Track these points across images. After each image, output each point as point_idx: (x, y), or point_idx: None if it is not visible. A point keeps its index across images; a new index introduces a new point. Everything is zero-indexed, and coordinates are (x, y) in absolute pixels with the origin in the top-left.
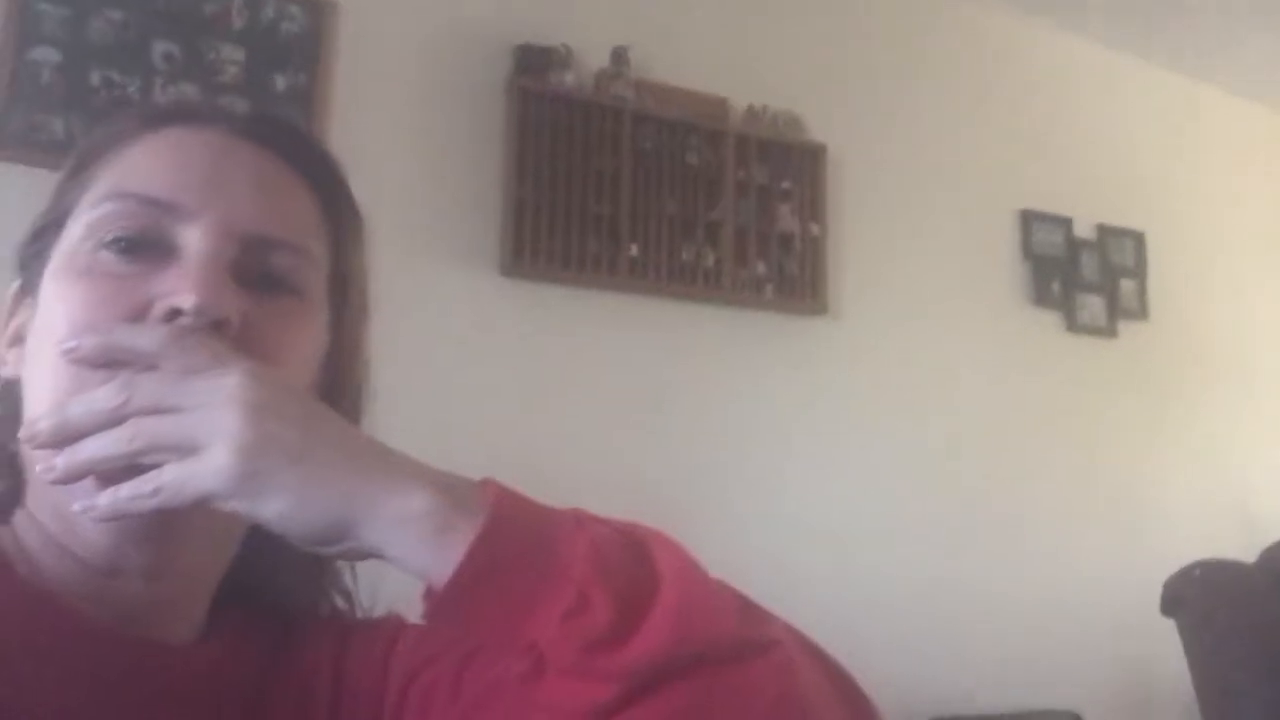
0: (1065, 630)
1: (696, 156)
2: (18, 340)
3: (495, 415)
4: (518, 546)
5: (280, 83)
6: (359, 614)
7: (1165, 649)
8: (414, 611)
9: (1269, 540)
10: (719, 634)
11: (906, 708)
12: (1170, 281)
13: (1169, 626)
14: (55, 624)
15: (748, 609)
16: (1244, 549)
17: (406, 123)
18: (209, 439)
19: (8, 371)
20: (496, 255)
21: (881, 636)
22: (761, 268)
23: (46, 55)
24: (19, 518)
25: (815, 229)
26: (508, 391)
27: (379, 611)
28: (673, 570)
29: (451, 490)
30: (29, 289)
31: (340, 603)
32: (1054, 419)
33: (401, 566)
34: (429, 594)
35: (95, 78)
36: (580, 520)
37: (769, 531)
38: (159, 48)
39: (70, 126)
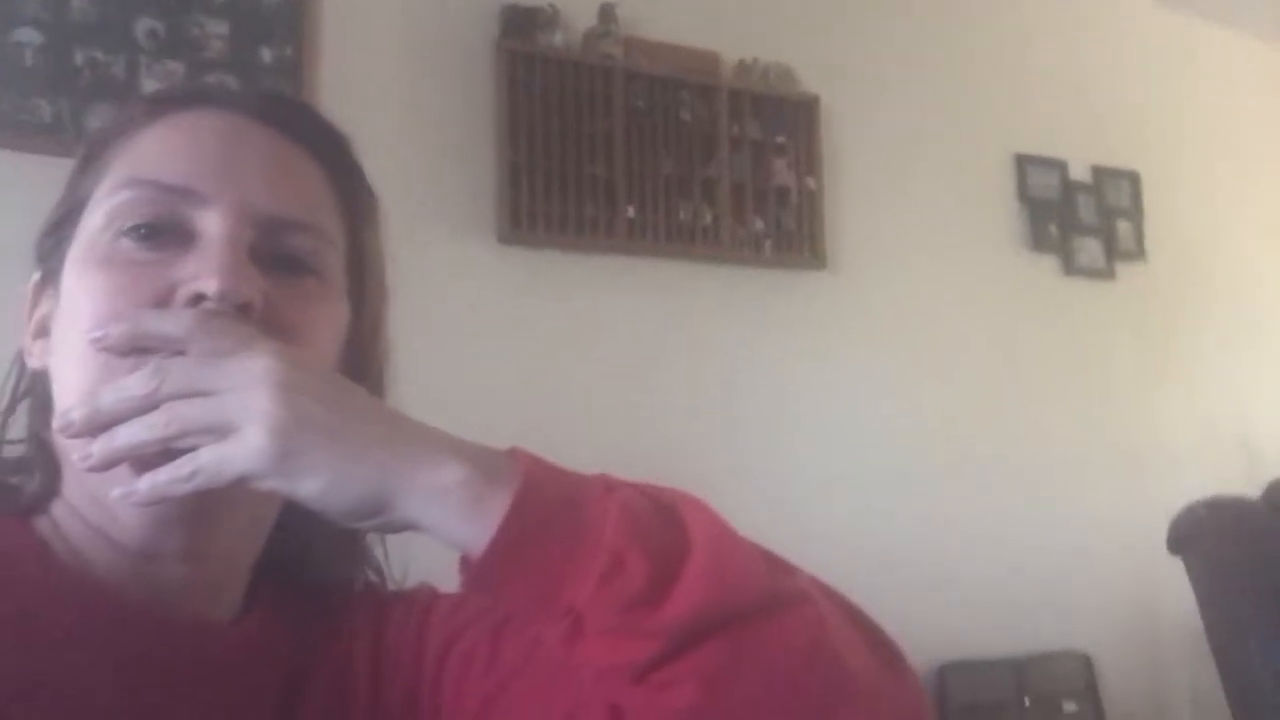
0: (1071, 572)
1: (689, 113)
2: (43, 332)
3: (498, 383)
4: (550, 514)
5: (266, 56)
6: (391, 586)
7: (1171, 587)
8: (444, 582)
9: (1271, 475)
10: (750, 590)
11: (917, 654)
12: (1167, 221)
13: (1175, 565)
14: (96, 607)
15: (776, 565)
16: (1246, 485)
17: (395, 92)
18: (243, 420)
19: (35, 362)
20: (493, 223)
21: (890, 585)
22: (759, 224)
23: (29, 37)
24: (56, 506)
25: (811, 183)
26: (510, 359)
27: (410, 583)
28: (702, 530)
29: (483, 461)
30: (50, 280)
31: (372, 576)
32: (1054, 362)
33: (438, 537)
34: (466, 563)
35: (79, 58)
36: (609, 485)
37: (775, 486)
38: (142, 25)
39: (57, 109)
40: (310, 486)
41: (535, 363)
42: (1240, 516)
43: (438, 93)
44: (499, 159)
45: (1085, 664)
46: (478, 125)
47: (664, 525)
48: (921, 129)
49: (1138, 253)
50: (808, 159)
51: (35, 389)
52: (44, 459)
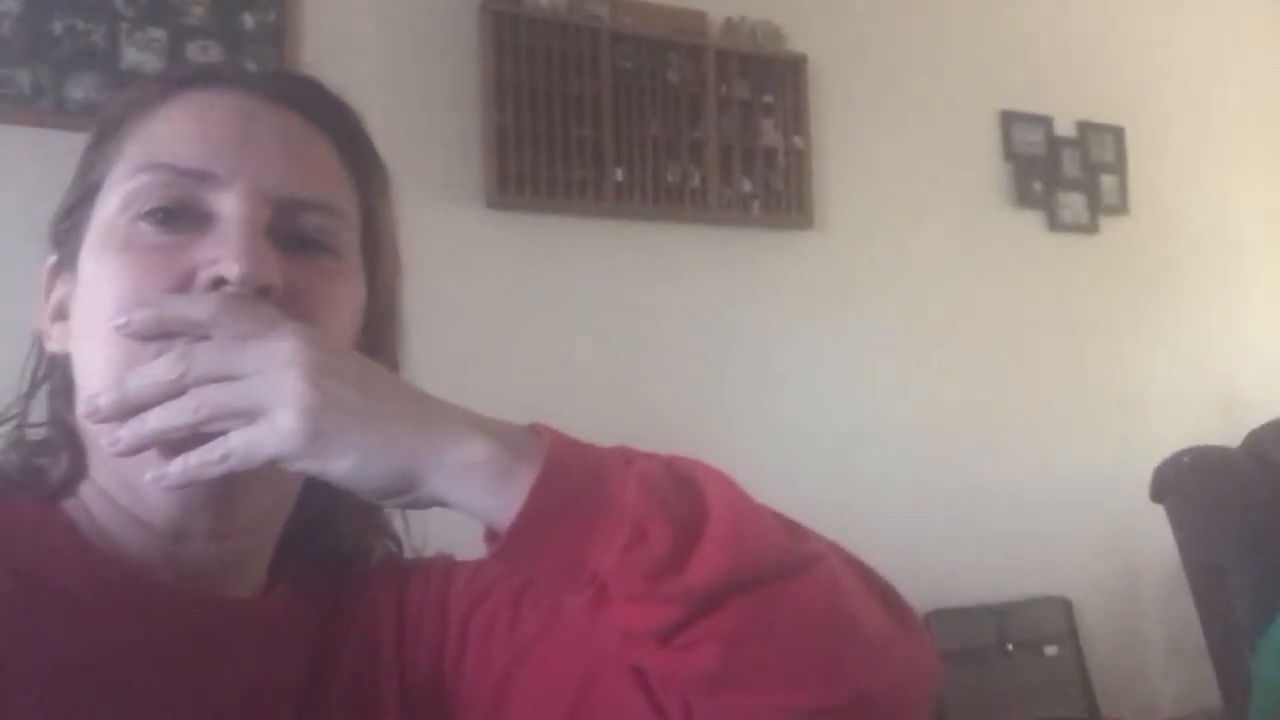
0: (1053, 521)
1: (677, 74)
2: (61, 315)
3: (489, 348)
4: (574, 487)
5: (248, 22)
6: (409, 555)
7: (1149, 534)
8: (459, 549)
9: (1249, 426)
10: (768, 554)
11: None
12: (1151, 175)
13: (1153, 513)
14: (127, 586)
15: (791, 528)
16: (1226, 436)
17: (379, 56)
18: (272, 403)
19: (54, 346)
20: (481, 188)
21: (880, 535)
22: (747, 185)
23: (6, 5)
24: (84, 488)
25: (799, 142)
26: (501, 324)
27: (428, 552)
28: (720, 498)
29: (508, 438)
30: (67, 263)
31: (391, 546)
32: (1039, 317)
33: (465, 512)
34: (493, 536)
35: (58, 27)
36: (629, 457)
37: (767, 443)
38: None
39: (37, 78)
40: (341, 467)
41: (526, 327)
42: (1223, 466)
43: (423, 56)
44: (485, 123)
45: (1066, 609)
46: (464, 89)
47: (683, 494)
48: (907, 87)
49: (1121, 207)
50: (795, 118)
51: (55, 372)
52: (69, 442)
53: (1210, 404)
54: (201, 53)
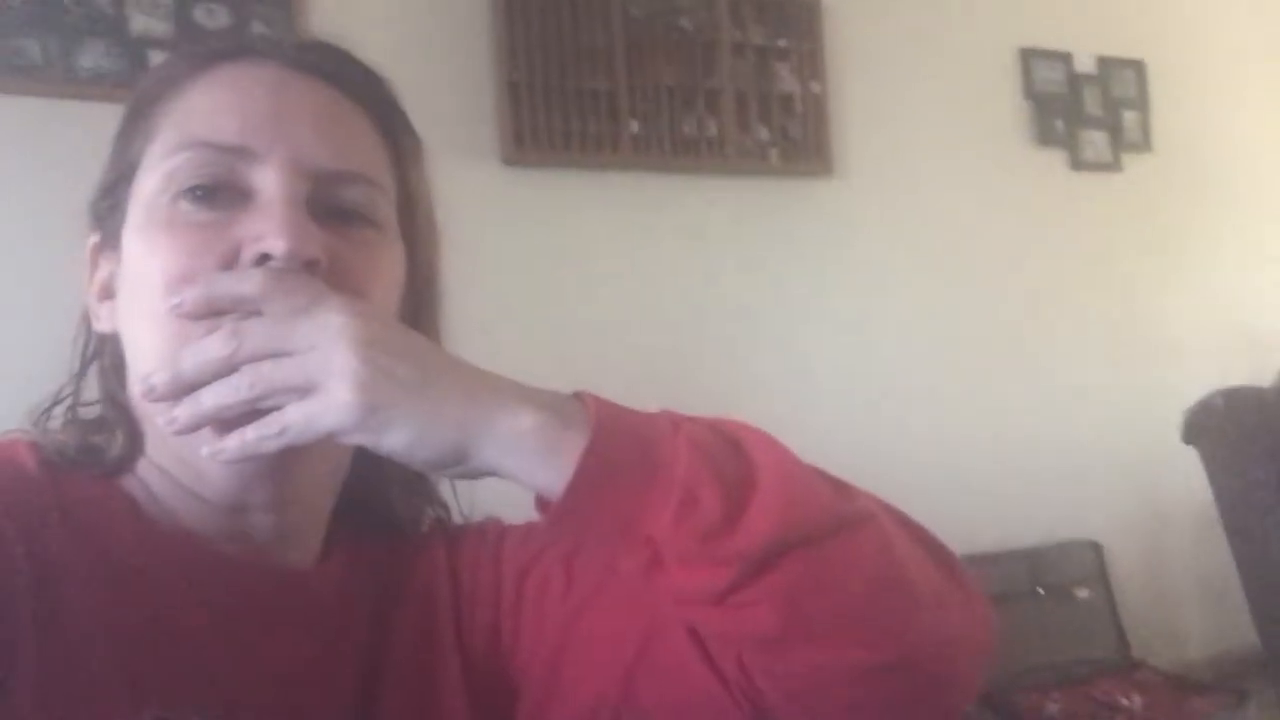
0: (1081, 464)
1: (689, 21)
2: (107, 294)
3: (508, 307)
4: (624, 453)
5: None
6: (458, 520)
7: (1179, 477)
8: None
9: (1275, 366)
10: (818, 513)
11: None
12: (1173, 110)
13: (1183, 455)
14: (189, 558)
15: (839, 487)
16: (1255, 375)
17: (390, 13)
18: (327, 378)
19: (103, 326)
20: (497, 145)
21: (907, 482)
22: (764, 133)
23: None
24: (141, 464)
25: (816, 87)
26: (518, 282)
27: (477, 517)
28: (767, 459)
29: (555, 407)
30: (110, 242)
31: (440, 512)
32: (1063, 257)
33: (518, 481)
34: (545, 503)
35: None
36: (675, 422)
37: (792, 395)
38: None
39: (47, 48)
40: (396, 439)
41: (545, 283)
42: (1254, 405)
43: (433, 12)
44: (498, 78)
45: (1096, 552)
46: (475, 44)
47: (731, 457)
48: (924, 27)
49: (1144, 144)
50: (811, 63)
51: (105, 351)
52: (123, 420)
53: (1236, 344)
54: (208, 16)
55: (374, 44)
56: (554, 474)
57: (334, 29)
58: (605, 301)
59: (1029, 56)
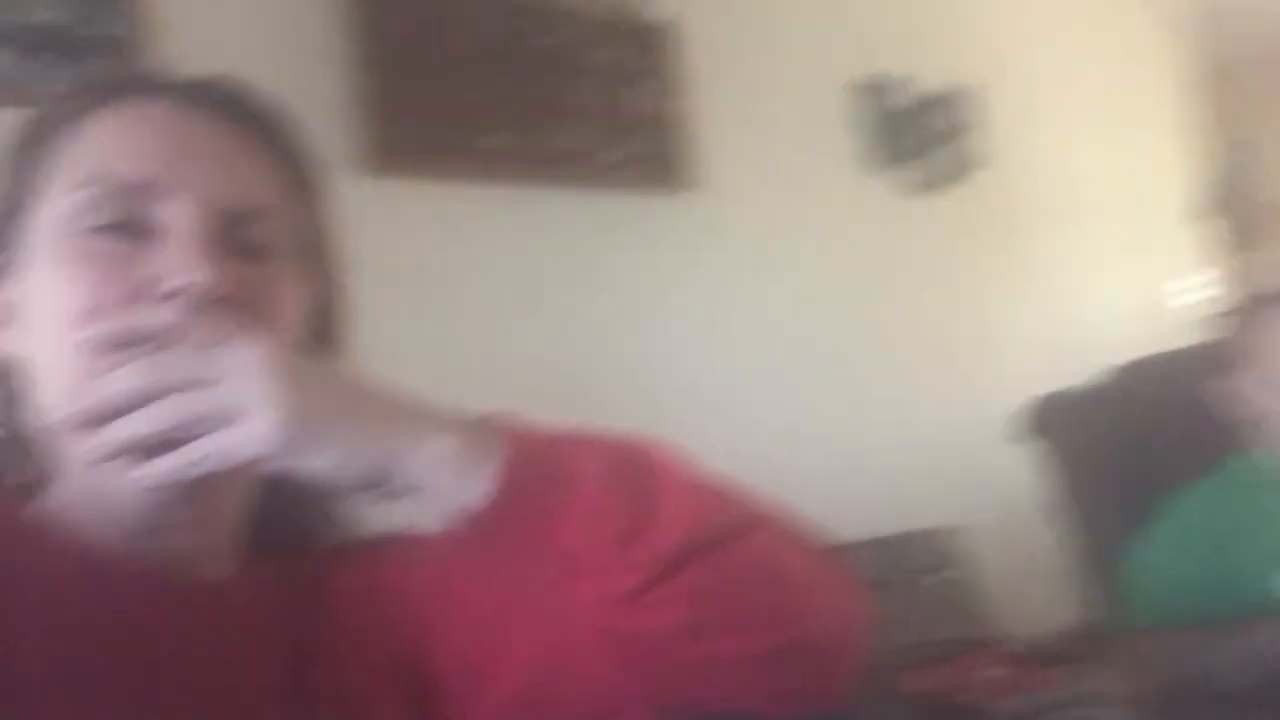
0: (927, 460)
1: (550, 38)
2: (7, 321)
3: (370, 324)
4: (538, 470)
5: None
6: (366, 533)
7: (1017, 470)
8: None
9: (1096, 367)
10: (718, 519)
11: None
12: (1006, 133)
13: (1019, 449)
14: (105, 579)
15: (732, 495)
16: (1077, 378)
17: (240, 29)
18: (249, 406)
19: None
20: (352, 157)
21: (769, 480)
22: (623, 150)
23: None
24: (53, 487)
25: (671, 106)
26: (380, 300)
27: (385, 528)
28: (670, 471)
29: (471, 429)
30: (10, 268)
31: (350, 525)
32: (904, 272)
33: (437, 500)
34: (464, 521)
35: None
36: (583, 441)
37: (659, 405)
38: None
39: None
40: (321, 463)
41: (408, 301)
42: (1079, 405)
43: (286, 24)
44: (354, 91)
45: (953, 538)
46: (331, 57)
47: (636, 470)
48: (772, 48)
49: (979, 164)
50: (666, 83)
51: (6, 376)
52: (30, 444)
53: (1067, 348)
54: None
55: (229, 60)
56: (473, 492)
57: (185, 44)
58: (468, 315)
59: (868, 81)
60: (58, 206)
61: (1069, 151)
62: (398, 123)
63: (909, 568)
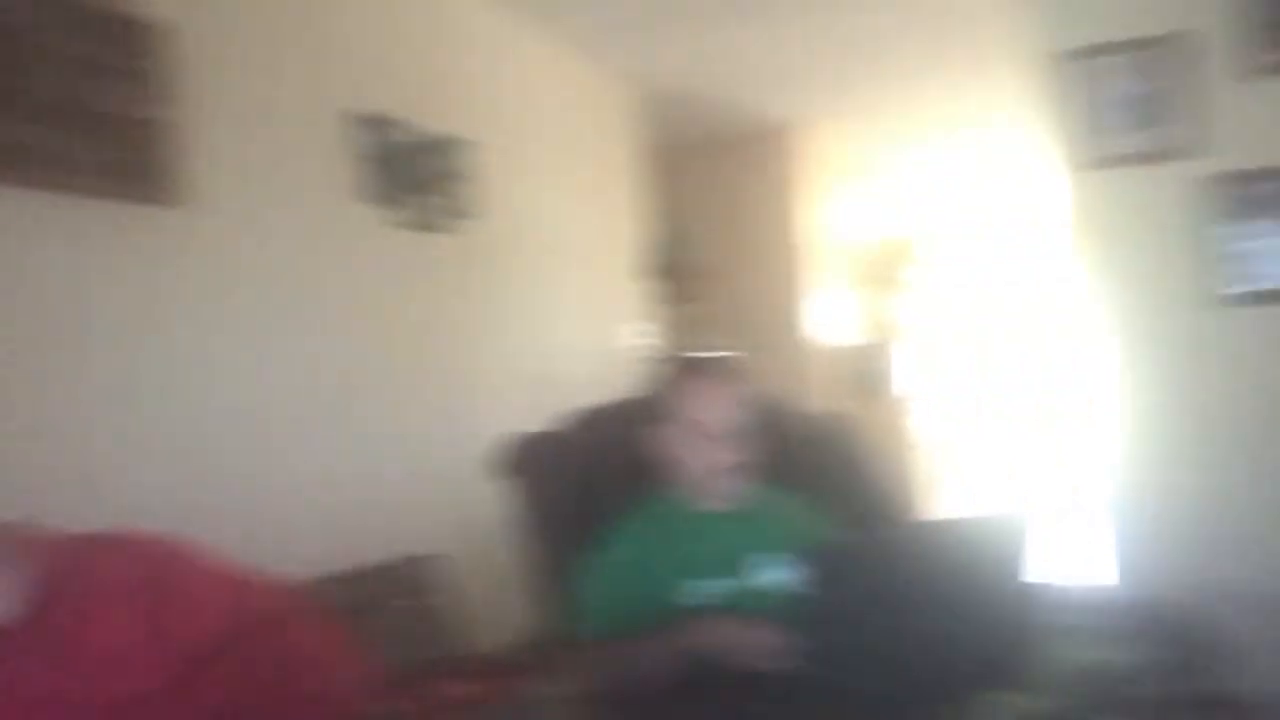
0: (405, 491)
1: (14, 17)
2: None
3: None
4: (62, 581)
5: None
6: None
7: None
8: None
9: (562, 409)
10: (243, 611)
11: (289, 566)
12: (493, 183)
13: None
14: None
15: (255, 584)
16: (547, 418)
17: None
18: None
19: None
20: None
21: (265, 517)
22: (100, 153)
23: None
24: None
25: (162, 112)
26: None
27: None
28: (195, 567)
29: None
30: None
31: None
32: (390, 307)
33: None
34: None
35: None
36: (108, 544)
37: (126, 443)
38: None
39: None
40: None
41: None
42: (552, 445)
43: None
44: None
45: (437, 565)
46: None
47: (161, 570)
48: (272, 73)
49: (467, 212)
50: (158, 86)
51: None
52: None
53: (537, 386)
54: None
55: None
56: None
57: None
58: None
59: (368, 119)
60: None
61: (545, 207)
62: None
63: (387, 594)
